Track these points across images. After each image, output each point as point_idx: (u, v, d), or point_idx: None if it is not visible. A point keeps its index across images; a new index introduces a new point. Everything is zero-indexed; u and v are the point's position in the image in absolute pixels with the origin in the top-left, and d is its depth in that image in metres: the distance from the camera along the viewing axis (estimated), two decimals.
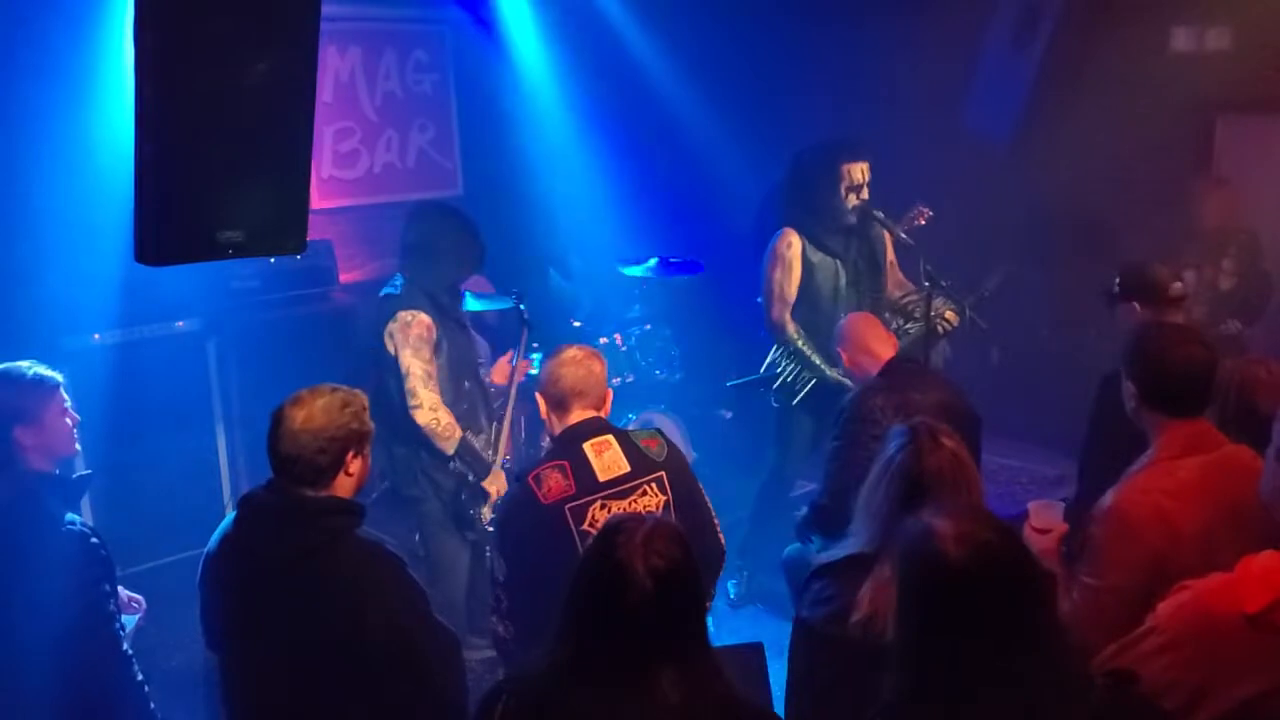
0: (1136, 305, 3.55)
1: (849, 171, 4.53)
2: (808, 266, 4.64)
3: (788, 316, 4.66)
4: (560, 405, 3.01)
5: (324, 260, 5.48)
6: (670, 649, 1.88)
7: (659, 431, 3.10)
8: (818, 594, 2.42)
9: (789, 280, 4.63)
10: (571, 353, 3.04)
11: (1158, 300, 3.52)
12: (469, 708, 2.66)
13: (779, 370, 4.72)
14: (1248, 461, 2.52)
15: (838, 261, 4.66)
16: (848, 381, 4.28)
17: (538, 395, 3.08)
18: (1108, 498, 2.58)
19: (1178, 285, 3.56)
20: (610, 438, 2.96)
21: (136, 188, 2.89)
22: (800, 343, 4.62)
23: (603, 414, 3.05)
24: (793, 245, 4.61)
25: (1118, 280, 3.63)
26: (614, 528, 1.95)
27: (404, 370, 3.79)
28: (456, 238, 4.02)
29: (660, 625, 1.87)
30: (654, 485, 2.93)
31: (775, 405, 4.82)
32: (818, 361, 4.58)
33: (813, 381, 4.62)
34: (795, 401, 4.66)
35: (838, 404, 3.97)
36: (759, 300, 4.81)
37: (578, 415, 2.99)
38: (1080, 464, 3.58)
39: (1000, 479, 5.95)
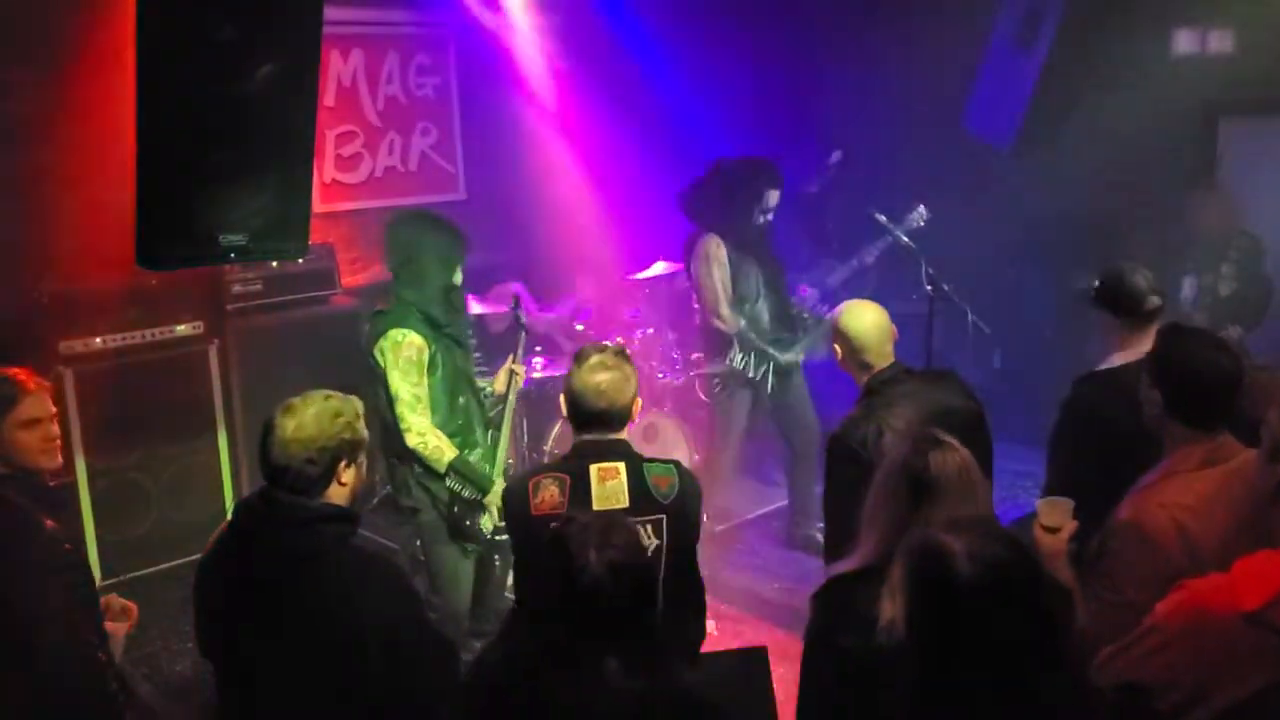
0: (1109, 315, 3.36)
1: (769, 196, 5.03)
2: (734, 268, 5.10)
3: (733, 311, 5.13)
4: (578, 422, 2.87)
5: (326, 264, 5.48)
6: (622, 639, 1.91)
7: (675, 467, 2.89)
8: (836, 607, 2.38)
9: (727, 277, 5.10)
10: (599, 378, 2.81)
11: (1132, 314, 3.31)
12: None
13: (737, 363, 5.17)
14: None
15: (756, 265, 5.14)
16: (797, 358, 5.17)
17: (561, 396, 2.93)
18: (1124, 510, 2.55)
19: (1154, 299, 3.31)
20: (620, 466, 2.80)
21: (139, 191, 2.88)
22: (752, 333, 5.12)
23: (626, 431, 2.89)
24: (721, 247, 5.09)
25: (1095, 285, 3.43)
26: (571, 521, 2.05)
27: (393, 393, 3.74)
28: (435, 245, 3.89)
29: (612, 615, 1.91)
30: (650, 527, 2.77)
31: (706, 399, 5.35)
32: (769, 349, 5.13)
33: (769, 364, 5.14)
34: (769, 390, 5.16)
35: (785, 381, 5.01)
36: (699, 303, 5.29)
37: (595, 434, 2.85)
38: (1049, 460, 3.46)
39: (1002, 482, 5.90)
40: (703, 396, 5.36)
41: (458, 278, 3.95)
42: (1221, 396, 2.56)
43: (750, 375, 5.15)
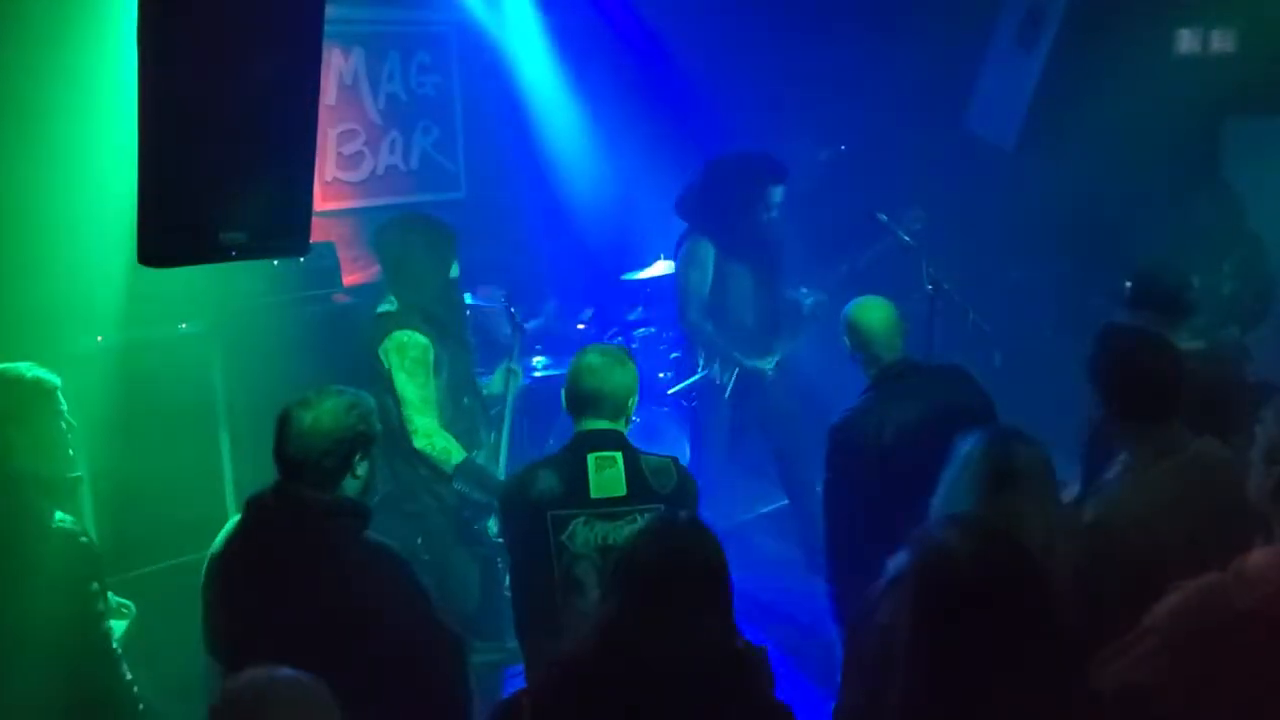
0: (1150, 315, 3.43)
1: (772, 192, 4.86)
2: (719, 271, 4.96)
3: (702, 315, 5.00)
4: (575, 410, 2.95)
5: (327, 262, 5.47)
6: (685, 616, 2.11)
7: (674, 462, 2.97)
8: None
9: (704, 281, 4.96)
10: (591, 359, 2.94)
11: (1172, 310, 3.41)
12: (473, 710, 2.66)
13: (706, 369, 5.08)
14: (1218, 454, 2.52)
15: (747, 268, 5.00)
16: (766, 367, 4.98)
17: (563, 390, 3.02)
18: (1087, 511, 2.58)
19: (1190, 294, 3.45)
20: (617, 456, 2.87)
21: (140, 189, 2.88)
22: (719, 339, 5.00)
23: (624, 424, 2.96)
24: (706, 249, 4.96)
25: (1130, 286, 3.53)
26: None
27: (400, 395, 3.73)
28: (426, 246, 3.92)
29: (669, 593, 2.10)
30: (647, 516, 2.79)
31: (690, 405, 5.23)
32: (735, 354, 4.98)
33: (735, 371, 4.97)
34: (727, 395, 5.02)
35: (758, 388, 4.85)
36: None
37: (591, 423, 2.93)
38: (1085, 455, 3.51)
39: None
40: (686, 404, 5.29)
41: (454, 272, 3.96)
42: (1162, 395, 2.59)
43: (718, 382, 5.03)
